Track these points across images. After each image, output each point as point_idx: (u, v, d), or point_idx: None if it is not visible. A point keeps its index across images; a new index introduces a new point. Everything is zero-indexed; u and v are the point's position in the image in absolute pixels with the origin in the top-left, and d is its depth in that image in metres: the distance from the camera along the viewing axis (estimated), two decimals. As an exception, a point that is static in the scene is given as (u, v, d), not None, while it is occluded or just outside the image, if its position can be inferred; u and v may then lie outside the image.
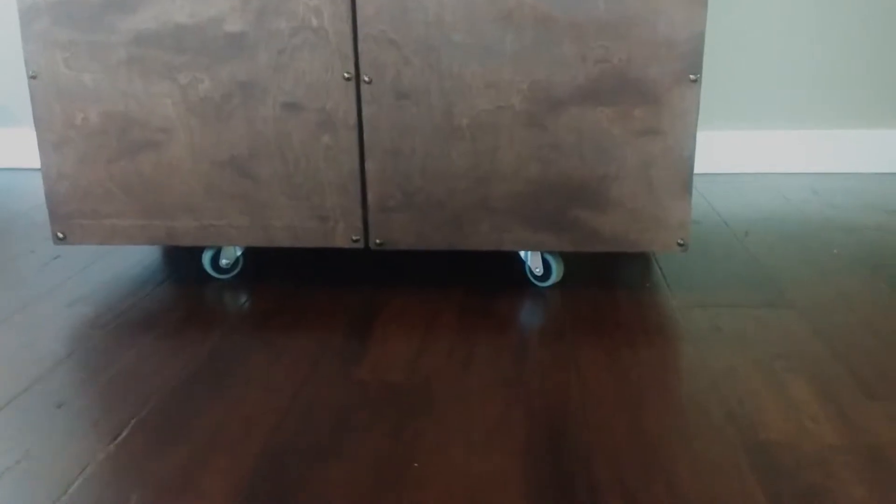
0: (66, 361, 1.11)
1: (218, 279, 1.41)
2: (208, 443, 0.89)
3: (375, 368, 1.06)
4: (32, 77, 1.27)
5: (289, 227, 1.31)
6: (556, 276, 1.34)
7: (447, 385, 1.01)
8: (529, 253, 1.35)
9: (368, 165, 1.27)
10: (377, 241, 1.30)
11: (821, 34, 2.02)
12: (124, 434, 0.91)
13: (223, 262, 1.40)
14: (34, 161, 2.31)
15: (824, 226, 1.63)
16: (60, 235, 1.34)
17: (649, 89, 1.19)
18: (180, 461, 0.86)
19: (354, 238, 1.31)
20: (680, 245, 1.25)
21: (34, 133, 2.20)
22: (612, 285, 1.34)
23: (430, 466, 0.84)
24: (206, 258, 1.40)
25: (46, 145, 1.30)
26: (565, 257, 1.39)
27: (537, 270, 1.35)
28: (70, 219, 1.33)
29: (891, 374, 1.00)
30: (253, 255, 1.50)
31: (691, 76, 1.18)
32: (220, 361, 1.09)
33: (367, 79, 1.23)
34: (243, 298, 1.32)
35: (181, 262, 1.50)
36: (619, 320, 1.19)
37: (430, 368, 1.05)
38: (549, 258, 1.33)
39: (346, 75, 1.23)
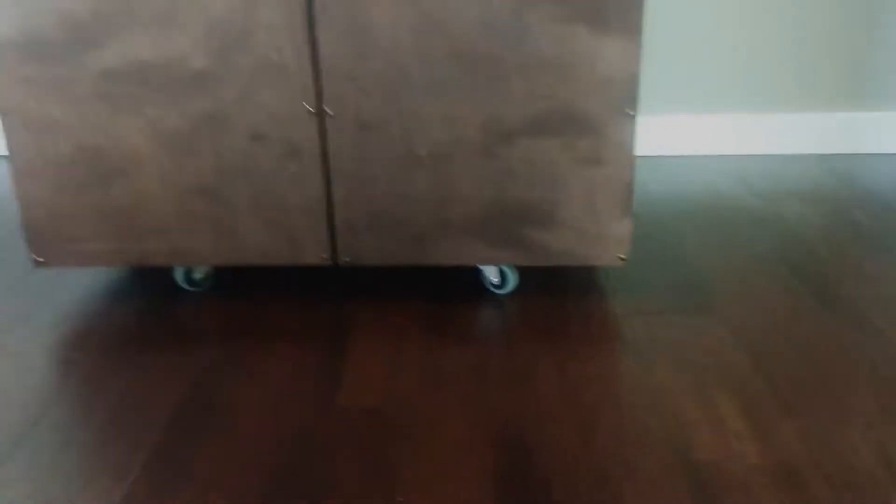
0: (64, 393, 1.19)
1: (190, 292, 1.49)
2: (209, 483, 1.00)
3: (352, 392, 1.17)
4: (4, 113, 1.31)
5: (259, 247, 1.40)
6: (511, 284, 1.46)
7: (420, 409, 1.13)
8: (484, 263, 1.47)
9: (335, 190, 1.36)
10: (345, 258, 1.40)
11: (747, 20, 2.14)
12: (133, 476, 1.01)
13: (196, 275, 1.48)
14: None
15: (749, 217, 1.78)
16: (39, 259, 1.41)
17: (591, 122, 1.30)
18: (188, 502, 0.97)
19: (323, 256, 1.40)
20: (621, 259, 1.38)
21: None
22: (561, 292, 1.47)
23: (413, 498, 0.96)
24: (179, 273, 1.48)
25: (21, 175, 1.35)
26: (520, 266, 1.51)
27: (494, 280, 1.46)
28: (46, 244, 1.40)
29: (804, 386, 1.16)
30: (224, 267, 1.58)
31: (628, 110, 1.29)
32: (205, 391, 1.19)
33: (330, 112, 1.31)
34: (218, 316, 1.41)
35: (151, 272, 1.57)
36: (568, 331, 1.33)
37: (403, 391, 1.17)
38: (505, 269, 1.45)
39: (309, 109, 1.30)
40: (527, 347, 1.28)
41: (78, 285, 1.53)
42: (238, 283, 1.52)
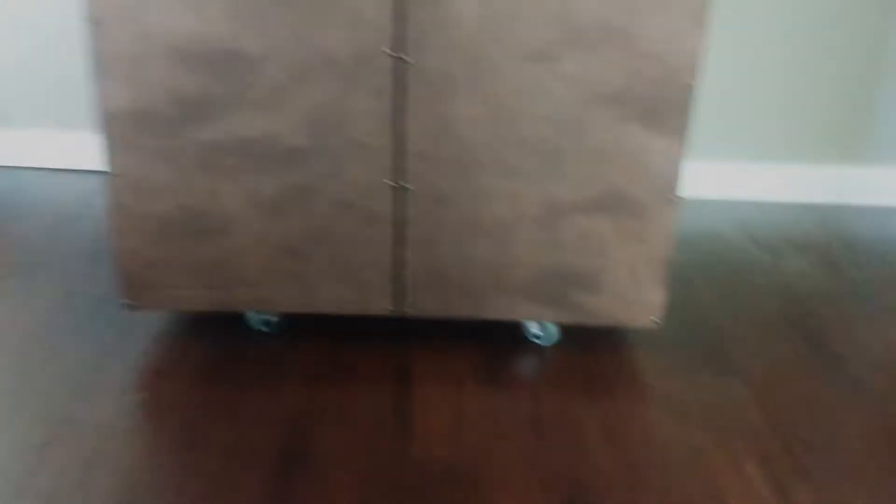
0: (165, 438, 1.35)
1: (264, 333, 1.65)
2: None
3: (424, 444, 1.35)
4: (114, 175, 1.45)
5: (333, 298, 1.56)
6: (553, 338, 1.64)
7: (486, 463, 1.31)
8: (529, 316, 1.65)
9: (406, 252, 1.52)
10: (409, 310, 1.57)
11: (752, 73, 2.33)
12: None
13: (271, 319, 1.64)
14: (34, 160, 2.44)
15: (754, 270, 1.98)
16: (130, 303, 1.55)
17: (638, 205, 1.47)
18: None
19: (389, 307, 1.57)
20: (654, 322, 1.56)
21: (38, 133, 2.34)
22: (596, 344, 1.65)
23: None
24: (255, 317, 1.64)
25: (120, 228, 1.50)
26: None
27: (537, 332, 1.65)
28: (139, 290, 1.54)
29: (814, 450, 1.36)
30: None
31: (670, 197, 1.47)
32: (298, 438, 1.36)
33: (408, 186, 1.47)
34: (292, 360, 1.57)
35: (224, 312, 1.72)
36: (608, 387, 1.51)
37: (469, 444, 1.35)
38: (547, 323, 1.64)
39: (391, 184, 1.46)
40: (573, 402, 1.47)
41: (151, 323, 1.68)
42: (305, 326, 1.68)
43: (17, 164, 2.50)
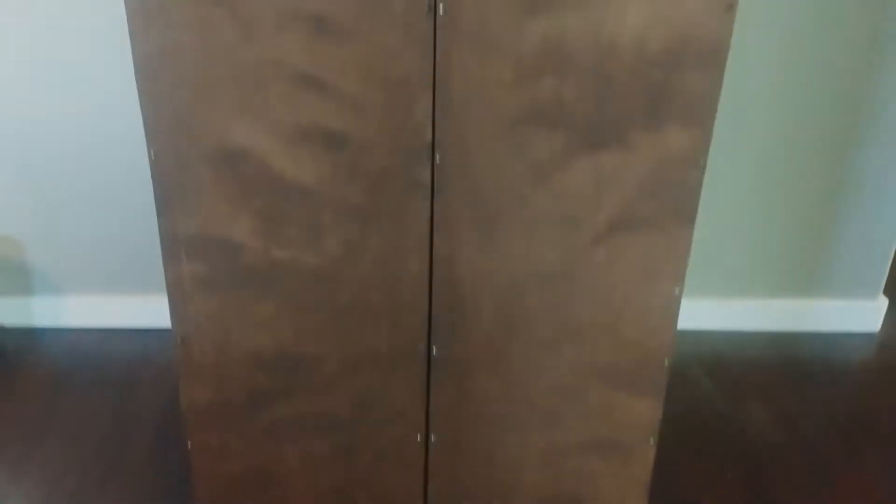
0: None
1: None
2: None
3: None
4: (194, 445, 1.74)
5: (372, 524, 1.87)
6: (554, 542, 1.97)
7: None
8: None
9: (432, 483, 1.83)
10: (435, 530, 1.89)
11: (718, 214, 2.71)
12: None
13: (316, 537, 1.94)
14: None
15: (714, 423, 2.34)
16: (203, 534, 1.85)
17: (623, 447, 1.81)
18: None
19: (419, 529, 1.88)
20: (639, 531, 1.90)
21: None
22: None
23: None
24: (304, 536, 1.93)
25: (200, 485, 1.79)
26: None
27: (541, 538, 1.98)
28: (211, 528, 1.84)
29: None
30: None
31: (651, 442, 1.81)
32: None
33: (434, 438, 1.78)
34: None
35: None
36: (603, 590, 1.84)
37: None
38: (550, 530, 1.96)
39: (421, 438, 1.78)
40: None
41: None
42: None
43: (71, 326, 2.76)
